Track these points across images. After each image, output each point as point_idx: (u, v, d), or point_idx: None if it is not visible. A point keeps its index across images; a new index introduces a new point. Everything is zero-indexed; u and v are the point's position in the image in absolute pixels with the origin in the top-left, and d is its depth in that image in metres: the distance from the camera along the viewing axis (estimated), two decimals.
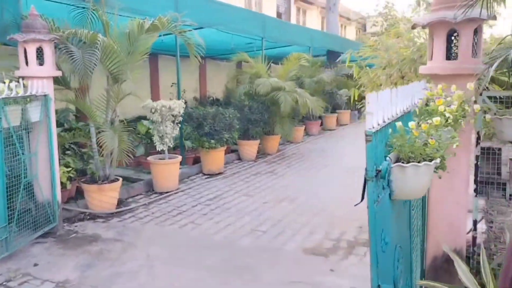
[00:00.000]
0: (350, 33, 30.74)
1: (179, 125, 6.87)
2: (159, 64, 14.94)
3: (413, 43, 4.00)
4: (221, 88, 19.22)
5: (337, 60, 5.03)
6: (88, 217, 5.39)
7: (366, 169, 1.68)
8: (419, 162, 1.82)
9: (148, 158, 6.72)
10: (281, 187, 6.80)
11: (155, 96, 14.05)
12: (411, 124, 1.94)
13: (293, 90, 9.19)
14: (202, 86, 17.91)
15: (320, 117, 13.16)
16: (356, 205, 1.76)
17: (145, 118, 8.87)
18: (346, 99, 14.54)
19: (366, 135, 1.65)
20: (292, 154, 9.64)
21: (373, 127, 1.71)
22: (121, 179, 5.74)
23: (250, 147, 8.91)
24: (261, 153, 9.48)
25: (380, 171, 1.71)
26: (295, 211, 5.56)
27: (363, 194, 1.71)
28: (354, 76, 5.96)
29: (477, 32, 2.88)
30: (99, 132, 5.39)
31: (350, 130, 13.83)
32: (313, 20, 23.95)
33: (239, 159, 9.02)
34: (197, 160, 8.28)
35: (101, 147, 5.50)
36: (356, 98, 5.13)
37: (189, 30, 6.28)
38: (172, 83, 15.58)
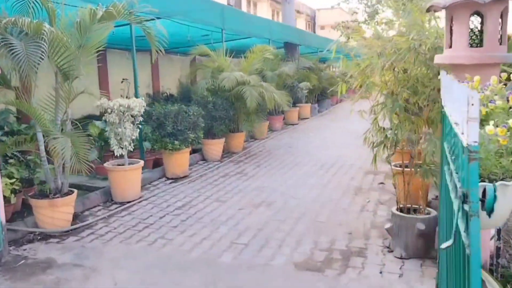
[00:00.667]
0: (300, 26, 30.62)
1: (139, 126, 6.18)
2: (107, 58, 13.98)
3: (410, 30, 3.62)
4: (175, 83, 18.43)
5: (327, 50, 4.48)
6: (39, 237, 4.62)
7: (463, 197, 1.19)
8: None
9: (106, 165, 5.98)
10: (254, 189, 6.30)
11: (104, 93, 13.05)
12: (490, 129, 1.49)
13: (259, 84, 8.70)
14: (155, 82, 17.05)
15: (282, 112, 12.78)
16: (446, 247, 1.28)
17: (95, 117, 8.06)
18: (307, 92, 14.28)
19: (471, 152, 1.16)
20: (258, 152, 9.17)
21: (476, 141, 1.20)
22: (76, 191, 5.00)
23: (215, 147, 8.34)
24: (226, 152, 8.93)
25: (484, 200, 1.23)
26: (275, 217, 5.09)
27: (455, 234, 1.22)
28: (332, 69, 5.55)
29: (502, 15, 2.52)
30: (50, 138, 4.62)
31: (313, 124, 13.57)
32: (263, 13, 23.52)
33: (204, 159, 8.42)
34: (157, 163, 7.61)
35: (50, 154, 4.74)
36: (343, 92, 4.68)
37: (149, 20, 5.61)
38: (123, 79, 14.63)
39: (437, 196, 4.60)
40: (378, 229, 4.60)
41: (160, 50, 5.61)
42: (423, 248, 3.82)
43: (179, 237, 4.58)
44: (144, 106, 6.00)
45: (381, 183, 6.42)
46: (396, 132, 3.81)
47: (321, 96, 17.04)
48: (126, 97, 13.72)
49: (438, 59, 2.81)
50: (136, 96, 7.04)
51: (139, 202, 5.83)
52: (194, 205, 5.64)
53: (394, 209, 4.09)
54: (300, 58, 14.56)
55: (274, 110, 11.75)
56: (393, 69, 3.99)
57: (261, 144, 10.01)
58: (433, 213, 3.93)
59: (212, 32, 12.34)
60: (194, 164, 8.02)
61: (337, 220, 4.92)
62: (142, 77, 16.28)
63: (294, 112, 13.48)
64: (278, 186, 6.41)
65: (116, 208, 5.62)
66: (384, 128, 3.88)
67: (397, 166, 5.39)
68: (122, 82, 15.15)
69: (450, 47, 2.65)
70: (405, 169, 5.21)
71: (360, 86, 4.24)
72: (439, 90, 3.69)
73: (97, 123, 7.27)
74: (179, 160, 7.02)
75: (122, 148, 5.87)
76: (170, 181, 6.93)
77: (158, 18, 7.45)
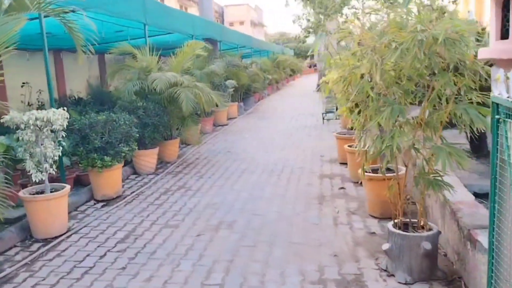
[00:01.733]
0: None
1: (62, 142, 5.03)
2: (1, 59, 11.98)
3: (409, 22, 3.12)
4: (83, 85, 16.66)
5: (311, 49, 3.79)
6: None
7: None
8: None
9: (21, 194, 4.74)
10: (206, 207, 5.49)
11: (2, 103, 11.26)
12: None
13: (193, 85, 7.83)
14: (60, 84, 15.20)
15: (211, 113, 11.98)
16: None
17: None
18: (232, 90, 13.62)
19: None
20: (196, 160, 8.30)
21: None
22: None
23: (149, 158, 7.32)
24: (160, 162, 7.95)
25: None
26: (243, 243, 4.36)
27: None
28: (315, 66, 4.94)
29: None
30: None
31: (243, 124, 12.95)
32: None
33: (136, 173, 7.36)
34: (79, 181, 6.44)
35: None
36: (327, 94, 4.06)
37: (69, 12, 4.53)
38: (23, 83, 12.81)
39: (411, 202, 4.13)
40: (363, 247, 4.10)
41: (89, 51, 4.55)
42: (429, 269, 3.38)
43: (133, 283, 3.64)
44: (67, 118, 4.86)
45: (342, 187, 6.00)
46: (395, 138, 3.27)
47: (245, 94, 16.51)
48: (28, 104, 11.92)
49: (484, 53, 2.32)
50: (52, 104, 5.81)
51: (68, 237, 4.72)
52: (139, 235, 4.68)
53: (391, 227, 3.59)
54: (226, 56, 13.85)
55: (203, 111, 10.96)
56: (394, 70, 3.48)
57: (196, 150, 9.14)
58: (435, 228, 3.51)
59: (128, 28, 11.13)
60: (125, 179, 6.94)
61: (314, 239, 4.34)
62: (45, 80, 14.38)
63: (223, 112, 12.75)
64: (233, 201, 5.67)
65: (39, 247, 4.46)
66: (381, 136, 3.33)
67: (367, 172, 4.96)
68: (22, 86, 13.28)
69: (502, 38, 2.17)
70: (374, 174, 4.82)
71: (346, 88, 3.65)
72: (433, 89, 3.28)
73: (0, 138, 5.89)
74: (110, 178, 5.94)
75: (41, 172, 4.69)
76: (101, 204, 5.83)
77: (71, 11, 6.27)
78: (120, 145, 5.91)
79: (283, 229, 4.65)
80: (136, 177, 7.16)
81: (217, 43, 14.84)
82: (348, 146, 6.35)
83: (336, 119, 12.06)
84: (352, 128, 7.02)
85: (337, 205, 5.28)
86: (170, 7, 10.54)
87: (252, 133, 11.13)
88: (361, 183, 6.01)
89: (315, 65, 61.67)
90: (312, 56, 64.67)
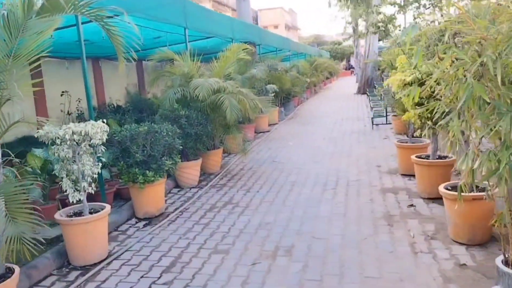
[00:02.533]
0: None
1: (101, 158, 4.58)
2: (42, 69, 12.01)
3: None
4: (121, 92, 16.56)
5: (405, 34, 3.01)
6: None
7: None
8: None
9: (57, 216, 4.31)
10: (258, 228, 4.90)
11: (41, 112, 11.31)
12: None
13: (237, 91, 7.29)
14: (99, 92, 15.11)
15: (252, 119, 11.45)
16: None
17: (33, 141, 6.30)
18: (273, 95, 13.02)
19: None
20: (240, 171, 7.75)
21: None
22: (17, 270, 3.34)
23: (191, 170, 6.83)
24: (202, 174, 7.44)
25: None
26: (307, 275, 3.72)
27: None
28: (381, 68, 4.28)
29: None
30: None
31: (285, 130, 12.33)
32: None
33: (177, 186, 6.89)
34: (120, 195, 6.03)
35: None
36: (416, 101, 3.35)
37: (111, 17, 4.08)
38: (63, 92, 12.74)
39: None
40: (456, 284, 3.38)
41: (132, 57, 4.10)
42: None
43: None
44: (106, 131, 4.40)
45: (411, 205, 5.26)
46: None
47: (285, 99, 15.90)
48: (68, 112, 11.79)
49: None
50: (90, 116, 5.40)
51: (109, 263, 4.24)
52: (186, 263, 4.14)
53: (501, 264, 2.86)
54: (268, 59, 13.30)
55: (247, 118, 10.44)
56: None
57: (239, 159, 8.60)
58: None
59: (166, 33, 10.79)
60: (167, 193, 6.48)
61: (392, 272, 3.65)
62: (84, 88, 14.31)
63: (264, 118, 12.18)
64: (287, 221, 5.05)
65: (77, 277, 4.00)
66: (493, 152, 2.62)
67: (448, 189, 4.23)
68: (61, 95, 13.21)
69: None
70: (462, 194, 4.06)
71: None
72: None
73: (38, 151, 5.55)
74: (153, 194, 5.46)
75: (79, 191, 4.24)
76: (143, 223, 5.36)
77: (115, 16, 5.90)
78: (162, 158, 5.43)
79: (352, 257, 3.99)
80: (178, 191, 6.68)
81: (256, 46, 14.33)
82: (416, 156, 5.60)
83: (387, 123, 11.23)
84: (418, 135, 6.27)
85: (411, 227, 4.56)
86: (210, 10, 10.10)
87: (296, 140, 10.48)
88: (433, 199, 5.27)
89: (351, 67, 60.50)
90: (348, 59, 63.50)
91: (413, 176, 6.29)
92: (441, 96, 2.87)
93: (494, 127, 2.47)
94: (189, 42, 9.26)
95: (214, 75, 7.69)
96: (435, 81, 2.85)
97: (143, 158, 5.30)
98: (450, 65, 2.60)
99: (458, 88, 2.56)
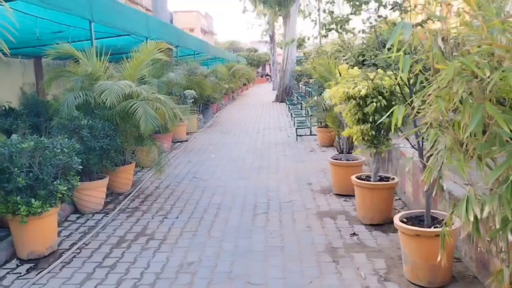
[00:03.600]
0: None
1: None
2: None
3: None
4: (15, 93, 14.41)
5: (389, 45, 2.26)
6: None
7: None
8: None
9: None
10: (179, 271, 3.94)
11: None
12: None
13: (154, 97, 6.24)
14: None
15: (169, 128, 10.36)
16: None
17: None
18: (192, 101, 12.05)
19: None
20: (156, 190, 6.69)
21: None
22: None
23: (95, 192, 5.64)
24: (110, 193, 6.28)
25: None
26: None
27: None
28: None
29: None
30: None
31: (206, 140, 11.40)
32: None
33: (77, 211, 5.66)
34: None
35: None
36: (398, 121, 2.58)
37: None
38: None
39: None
40: None
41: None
42: None
43: None
44: None
45: (354, 234, 4.67)
46: None
47: (204, 105, 14.98)
48: None
49: None
50: None
51: None
52: None
53: None
54: (188, 63, 12.28)
55: (163, 127, 9.35)
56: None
57: (154, 175, 7.50)
58: None
59: (69, 27, 9.33)
60: (62, 221, 5.24)
61: None
62: None
63: (182, 126, 11.14)
64: (215, 259, 4.15)
65: None
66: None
67: (403, 221, 3.70)
68: None
69: None
70: (422, 229, 3.53)
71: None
72: None
73: None
74: (41, 229, 4.23)
75: None
76: (27, 266, 4.12)
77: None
78: (55, 182, 4.23)
79: None
80: (78, 218, 5.45)
81: (173, 48, 13.24)
82: (356, 177, 5.06)
83: (311, 135, 10.85)
84: (347, 151, 5.77)
85: (359, 265, 3.93)
86: (120, 3, 8.86)
87: (218, 152, 9.63)
88: (375, 226, 4.75)
89: (267, 75, 61.24)
90: (263, 66, 64.23)
91: (349, 196, 5.81)
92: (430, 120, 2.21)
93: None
94: (96, 39, 7.98)
95: (126, 77, 6.56)
96: (420, 98, 2.20)
97: (27, 183, 4.07)
98: (451, 80, 1.95)
99: (463, 110, 1.91)
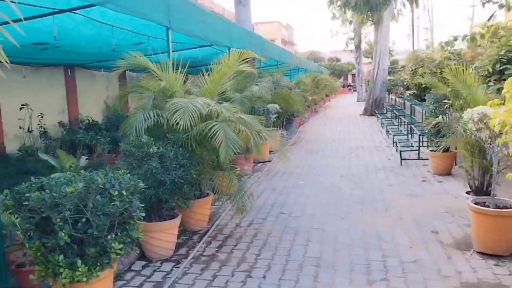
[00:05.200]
0: None
1: None
2: None
3: None
4: (99, 106, 14.30)
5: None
6: None
7: None
8: None
9: None
10: None
11: None
12: None
13: (236, 118, 5.08)
14: (71, 106, 12.86)
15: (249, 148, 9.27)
16: None
17: None
18: (275, 117, 10.83)
19: None
20: (236, 228, 5.51)
21: None
22: None
23: (165, 235, 4.57)
24: (182, 231, 5.22)
25: None
26: None
27: None
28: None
29: None
30: None
31: (289, 161, 10.10)
32: None
33: (143, 256, 4.63)
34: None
35: None
36: None
37: None
38: (23, 105, 10.54)
39: None
40: None
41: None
42: None
43: None
44: None
45: None
46: None
47: (287, 120, 13.74)
48: (28, 130, 9.47)
49: None
50: None
51: None
52: None
53: None
54: (269, 74, 11.15)
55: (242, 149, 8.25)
56: None
57: (233, 207, 6.34)
58: None
59: (149, 38, 8.63)
60: (124, 271, 4.23)
61: None
62: (52, 100, 12.05)
63: (265, 146, 9.96)
64: None
65: None
66: None
67: None
68: (21, 109, 11.01)
69: None
70: None
71: None
72: None
73: None
74: None
75: None
76: None
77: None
78: (109, 236, 3.17)
79: None
80: (143, 267, 4.41)
81: (259, 58, 12.24)
82: None
83: (419, 159, 9.07)
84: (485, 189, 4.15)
85: None
86: (201, 8, 7.93)
87: (306, 177, 8.27)
88: None
89: (349, 85, 58.77)
90: (345, 76, 61.80)
91: (501, 258, 4.13)
92: None
93: None
94: (174, 51, 7.09)
95: (205, 93, 5.50)
96: None
97: (73, 236, 3.05)
98: None
99: None
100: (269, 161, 10.02)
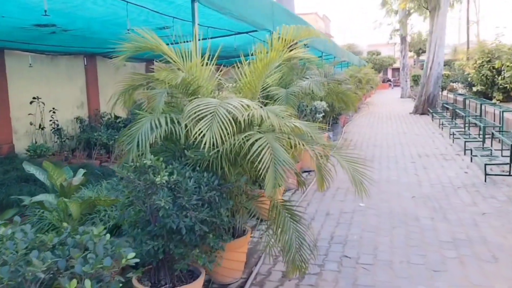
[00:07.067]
0: None
1: None
2: (6, 64, 8.61)
3: None
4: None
5: None
6: None
7: None
8: None
9: None
10: None
11: (3, 126, 8.17)
12: None
13: (289, 127, 3.41)
14: (92, 99, 11.53)
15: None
16: None
17: None
18: (321, 116, 9.08)
19: None
20: (281, 281, 3.87)
21: None
22: None
23: None
24: (210, 283, 3.63)
25: None
26: None
27: None
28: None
29: None
30: None
31: (340, 172, 8.36)
32: None
33: None
34: None
35: None
36: None
37: None
38: (34, 98, 9.36)
39: None
40: None
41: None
42: None
43: None
44: None
45: None
46: None
47: (334, 120, 11.95)
48: (40, 127, 8.14)
49: None
50: None
51: None
52: None
53: None
54: (324, 66, 9.43)
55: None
56: None
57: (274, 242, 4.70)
58: None
59: (174, 19, 7.16)
60: None
61: None
62: (70, 93, 10.77)
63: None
64: None
65: None
66: None
67: None
68: (31, 103, 9.84)
69: None
70: None
71: None
72: None
73: None
74: None
75: None
76: None
77: None
78: None
79: None
80: None
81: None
82: None
83: (510, 174, 7.11)
84: None
85: None
86: None
87: (366, 197, 6.51)
88: None
89: (388, 80, 55.83)
90: (385, 71, 58.76)
91: None
92: None
93: None
94: (204, 39, 5.48)
95: (243, 88, 3.86)
96: None
97: None
98: None
99: None
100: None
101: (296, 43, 4.36)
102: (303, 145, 3.42)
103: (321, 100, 8.73)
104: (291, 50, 4.08)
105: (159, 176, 2.75)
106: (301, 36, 3.93)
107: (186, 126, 3.10)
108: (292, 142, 3.41)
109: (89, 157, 9.21)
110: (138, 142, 3.04)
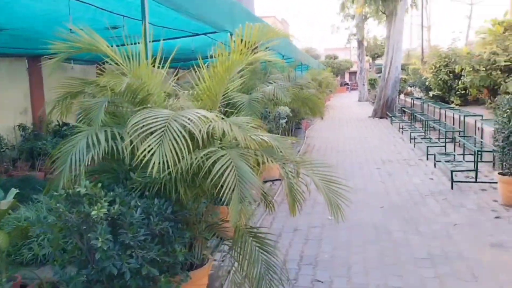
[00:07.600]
0: None
1: None
2: None
3: None
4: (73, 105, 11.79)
5: None
6: None
7: None
8: None
9: None
10: None
11: None
12: None
13: (258, 141, 2.94)
14: (36, 105, 10.59)
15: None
16: None
17: None
18: (284, 122, 8.69)
19: None
20: None
21: None
22: None
23: None
24: None
25: None
26: None
27: None
28: None
29: None
30: None
31: (305, 180, 7.99)
32: None
33: None
34: None
35: None
36: None
37: None
38: None
39: None
40: None
41: None
42: None
43: None
44: None
45: None
46: None
47: (296, 125, 11.63)
48: None
49: None
50: None
51: None
52: None
53: None
54: (287, 70, 9.03)
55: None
56: None
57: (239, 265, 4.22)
58: None
59: (123, 18, 6.56)
60: None
61: None
62: (13, 98, 9.83)
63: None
64: None
65: None
66: None
67: None
68: None
69: None
70: None
71: None
72: None
73: None
74: None
75: None
76: None
77: None
78: None
79: None
80: None
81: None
82: None
83: (476, 181, 6.98)
84: None
85: None
86: None
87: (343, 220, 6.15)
88: None
89: (346, 84, 56.72)
90: (343, 74, 59.66)
91: None
92: None
93: None
94: (156, 41, 4.94)
95: (202, 95, 3.35)
96: None
97: None
98: None
99: None
100: (279, 180, 7.90)
101: (259, 45, 3.91)
102: (272, 161, 2.94)
103: (285, 106, 8.35)
104: (255, 53, 3.62)
105: (96, 207, 2.20)
106: (267, 37, 3.47)
107: (131, 142, 2.56)
108: (259, 159, 2.94)
109: (32, 168, 8.38)
110: (71, 163, 2.46)
